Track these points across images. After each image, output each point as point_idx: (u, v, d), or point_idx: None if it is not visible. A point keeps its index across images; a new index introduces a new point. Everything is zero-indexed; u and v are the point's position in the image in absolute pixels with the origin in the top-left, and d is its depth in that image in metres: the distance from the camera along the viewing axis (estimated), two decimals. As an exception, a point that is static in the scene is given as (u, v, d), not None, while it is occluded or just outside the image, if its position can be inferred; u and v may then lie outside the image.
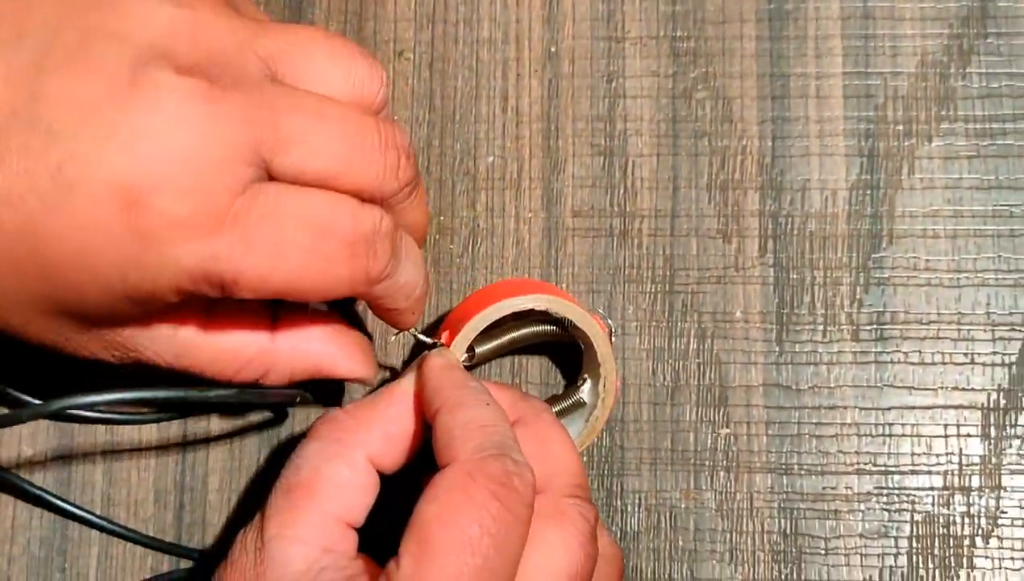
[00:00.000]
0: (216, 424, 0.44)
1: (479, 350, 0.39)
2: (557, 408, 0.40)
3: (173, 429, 0.44)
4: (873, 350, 0.43)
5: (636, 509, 0.43)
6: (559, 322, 0.39)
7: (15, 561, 0.43)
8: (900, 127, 0.45)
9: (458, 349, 0.38)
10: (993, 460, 0.42)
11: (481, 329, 0.38)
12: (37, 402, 0.39)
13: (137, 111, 0.29)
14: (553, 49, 0.46)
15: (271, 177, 0.31)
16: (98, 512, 0.44)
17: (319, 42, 0.34)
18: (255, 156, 0.31)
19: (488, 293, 0.40)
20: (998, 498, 0.42)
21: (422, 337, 0.39)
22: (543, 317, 0.39)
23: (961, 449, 0.43)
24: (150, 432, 0.44)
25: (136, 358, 0.35)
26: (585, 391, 0.41)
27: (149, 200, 0.29)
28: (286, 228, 0.31)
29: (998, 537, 0.42)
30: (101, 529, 0.43)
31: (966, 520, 0.42)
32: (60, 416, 0.43)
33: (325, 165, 0.32)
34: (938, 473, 0.43)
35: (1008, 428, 0.43)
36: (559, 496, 0.33)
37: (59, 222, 0.29)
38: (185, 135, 0.29)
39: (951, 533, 0.42)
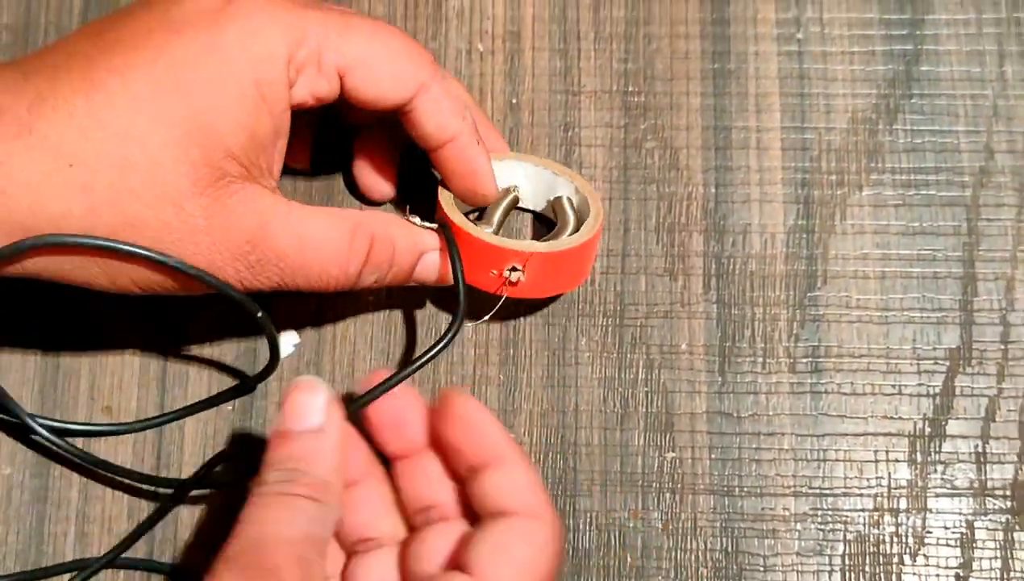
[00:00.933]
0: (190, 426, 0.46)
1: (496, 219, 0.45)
2: (555, 236, 0.45)
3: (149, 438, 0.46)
4: (808, 381, 0.47)
5: (587, 528, 0.46)
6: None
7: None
8: (833, 177, 0.49)
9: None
10: (919, 483, 0.46)
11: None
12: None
13: None
14: (514, 100, 0.50)
15: None
16: (72, 532, 0.45)
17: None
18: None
19: None
20: (924, 519, 0.45)
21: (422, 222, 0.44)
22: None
23: (890, 474, 0.46)
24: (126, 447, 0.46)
25: (264, 263, 0.38)
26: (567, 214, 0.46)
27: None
28: (351, 14, 0.40)
29: (924, 555, 0.45)
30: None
31: (895, 539, 0.45)
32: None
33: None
34: (869, 496, 0.46)
35: (933, 454, 0.46)
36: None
37: None
38: None
39: (880, 552, 0.45)
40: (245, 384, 0.46)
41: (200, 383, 0.47)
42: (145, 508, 0.46)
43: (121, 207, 0.35)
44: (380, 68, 0.39)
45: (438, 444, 0.40)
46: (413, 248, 0.42)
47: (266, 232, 0.38)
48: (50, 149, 0.34)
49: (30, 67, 0.36)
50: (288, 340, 0.47)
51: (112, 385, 0.47)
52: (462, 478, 0.39)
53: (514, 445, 0.38)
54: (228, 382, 0.47)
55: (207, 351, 0.47)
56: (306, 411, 0.37)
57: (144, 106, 0.35)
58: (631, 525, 0.46)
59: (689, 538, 0.45)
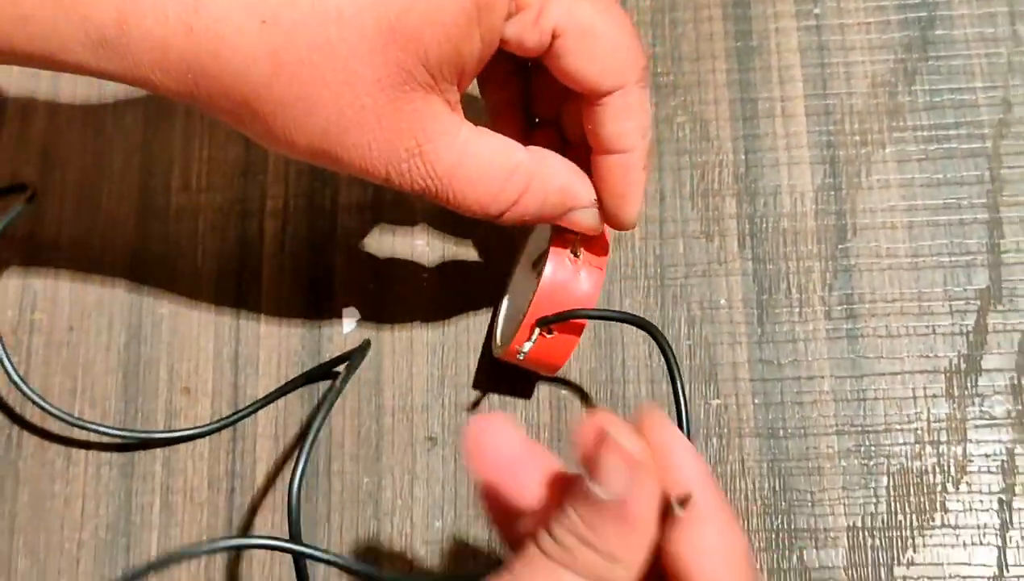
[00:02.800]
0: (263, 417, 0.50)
1: None
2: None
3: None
4: (845, 327, 0.49)
5: (639, 475, 0.48)
6: None
7: (84, 545, 0.49)
8: (857, 137, 0.52)
9: None
10: (958, 416, 0.48)
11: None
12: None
13: None
14: (551, 88, 0.54)
15: None
16: (157, 503, 0.49)
17: None
18: None
19: None
20: (964, 449, 0.47)
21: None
22: None
23: (929, 408, 0.48)
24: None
25: (417, 172, 0.38)
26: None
27: None
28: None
29: (967, 483, 0.47)
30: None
31: (937, 469, 0.47)
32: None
33: None
34: (909, 430, 0.48)
35: (969, 388, 0.48)
36: None
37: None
38: None
39: (924, 482, 0.47)
40: (315, 371, 0.50)
41: (270, 364, 0.51)
42: (224, 478, 0.49)
43: (302, 81, 0.35)
44: (596, 47, 0.38)
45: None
46: (562, 203, 0.41)
47: (430, 146, 0.38)
48: (248, 2, 0.35)
49: None
50: (350, 316, 0.51)
51: (189, 370, 0.51)
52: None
53: (713, 487, 0.32)
54: (295, 360, 0.51)
55: (275, 334, 0.51)
56: (614, 475, 0.30)
57: None
58: (681, 470, 0.48)
59: (738, 479, 0.48)
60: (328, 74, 0.35)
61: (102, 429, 0.49)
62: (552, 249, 0.44)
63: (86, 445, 0.50)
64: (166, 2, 0.35)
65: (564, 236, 0.44)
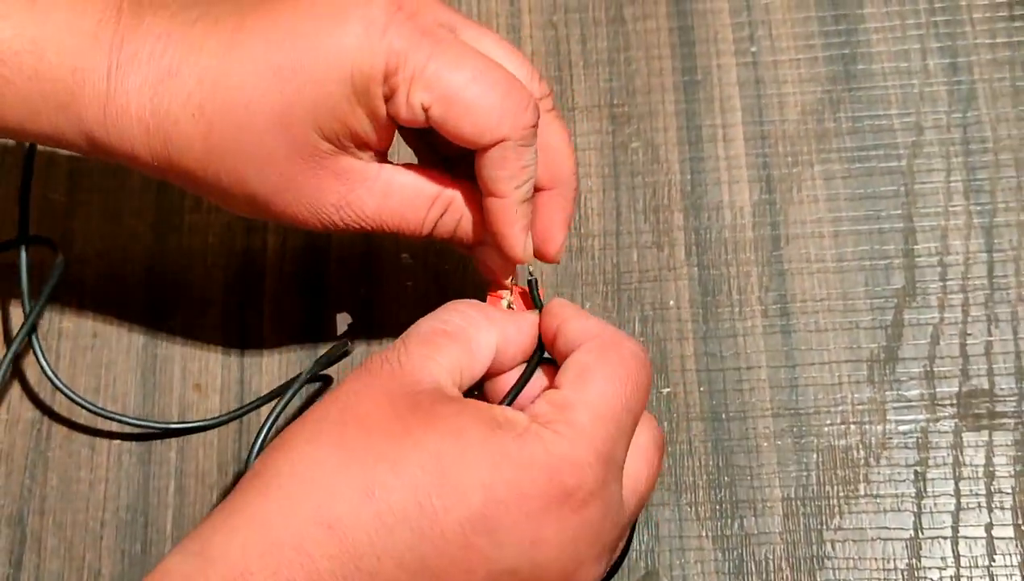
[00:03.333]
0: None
1: None
2: None
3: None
4: (779, 323, 0.56)
5: (599, 454, 0.54)
6: None
7: (106, 524, 0.55)
8: (789, 158, 0.59)
9: None
10: (878, 399, 0.54)
11: None
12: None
13: None
14: (520, 118, 0.61)
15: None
16: (172, 486, 0.55)
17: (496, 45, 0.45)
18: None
19: None
20: (884, 428, 0.54)
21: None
22: None
23: (852, 394, 0.55)
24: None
25: (350, 218, 0.45)
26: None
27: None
28: (464, 55, 0.42)
29: (887, 458, 0.53)
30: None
31: (860, 446, 0.54)
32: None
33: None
34: (836, 412, 0.54)
35: (888, 375, 0.55)
36: None
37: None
38: None
39: (849, 457, 0.54)
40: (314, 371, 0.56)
41: (273, 364, 0.57)
42: (231, 463, 0.56)
43: (231, 157, 0.43)
44: (466, 113, 0.42)
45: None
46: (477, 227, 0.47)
47: (354, 196, 0.44)
48: (184, 90, 0.42)
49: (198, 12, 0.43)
50: (343, 321, 0.57)
51: (200, 368, 0.57)
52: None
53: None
54: (294, 360, 0.57)
55: (277, 336, 0.58)
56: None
57: (264, 73, 0.42)
58: (636, 449, 0.54)
59: (686, 458, 0.54)
60: (249, 150, 0.43)
61: (123, 419, 0.55)
62: (489, 298, 0.49)
63: (108, 435, 0.56)
64: (135, 106, 0.43)
65: (498, 292, 0.49)
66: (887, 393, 0.55)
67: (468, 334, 0.43)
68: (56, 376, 0.54)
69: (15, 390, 0.57)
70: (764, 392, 0.55)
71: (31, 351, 0.55)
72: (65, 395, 0.54)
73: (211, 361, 0.58)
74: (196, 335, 0.58)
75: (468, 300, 0.45)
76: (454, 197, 0.46)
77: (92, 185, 0.62)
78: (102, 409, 0.55)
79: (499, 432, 0.39)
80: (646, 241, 0.58)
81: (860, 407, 0.54)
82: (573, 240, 0.58)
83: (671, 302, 0.57)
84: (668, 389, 0.55)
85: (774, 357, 0.56)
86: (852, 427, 0.54)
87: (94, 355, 0.58)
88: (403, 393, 0.39)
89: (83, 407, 0.54)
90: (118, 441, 0.56)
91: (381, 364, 0.41)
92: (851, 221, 0.58)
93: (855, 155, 0.59)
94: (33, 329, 0.54)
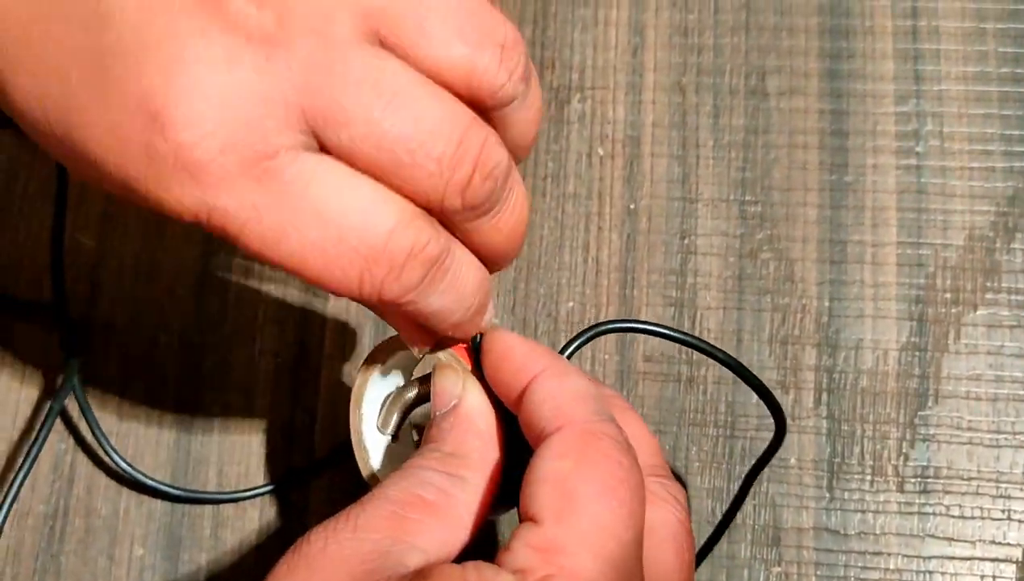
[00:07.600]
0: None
1: None
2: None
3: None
4: (917, 501, 0.47)
5: (691, 637, 0.47)
6: None
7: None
8: (948, 295, 0.49)
9: None
10: (1025, 611, 0.46)
11: None
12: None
13: (189, 34, 0.28)
14: (632, 206, 0.51)
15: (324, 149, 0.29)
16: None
17: (444, 6, 0.29)
18: (302, 123, 0.28)
19: None
20: (1029, 647, 0.46)
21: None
22: None
23: (996, 599, 0.46)
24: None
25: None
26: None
27: (168, 128, 0.27)
28: (302, 214, 0.29)
29: None
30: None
31: (998, 667, 0.46)
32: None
33: (377, 158, 0.29)
34: (974, 620, 0.46)
35: (1041, 582, 0.46)
36: (645, 477, 0.32)
37: (91, 105, 0.28)
38: (226, 77, 0.28)
39: (984, 678, 0.46)
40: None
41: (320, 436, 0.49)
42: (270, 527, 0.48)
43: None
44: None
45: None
46: None
47: None
48: None
49: None
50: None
51: (239, 474, 0.50)
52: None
53: (553, 357, 0.34)
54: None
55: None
56: (445, 394, 0.35)
57: None
58: (735, 637, 0.47)
59: (793, 653, 0.46)
60: None
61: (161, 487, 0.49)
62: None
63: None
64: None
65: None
66: (1037, 604, 0.46)
67: (453, 500, 0.32)
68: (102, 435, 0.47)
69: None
70: (892, 585, 0.47)
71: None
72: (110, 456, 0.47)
73: (252, 466, 0.50)
74: (233, 430, 0.50)
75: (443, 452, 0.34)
76: None
77: (127, 230, 0.53)
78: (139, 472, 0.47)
79: None
80: (769, 379, 0.49)
81: (1003, 617, 0.46)
82: (683, 367, 0.49)
83: (792, 459, 0.48)
84: (779, 568, 0.47)
85: (908, 544, 0.47)
86: (991, 641, 0.46)
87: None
88: None
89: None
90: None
91: (325, 546, 0.30)
92: (1015, 383, 0.49)
93: (1029, 301, 0.49)
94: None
